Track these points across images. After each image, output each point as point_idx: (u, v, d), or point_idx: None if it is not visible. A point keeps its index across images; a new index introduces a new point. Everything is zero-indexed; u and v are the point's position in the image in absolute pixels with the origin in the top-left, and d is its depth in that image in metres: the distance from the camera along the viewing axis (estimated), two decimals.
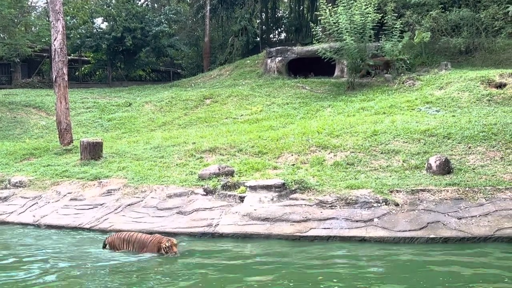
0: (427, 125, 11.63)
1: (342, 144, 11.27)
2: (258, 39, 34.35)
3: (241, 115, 17.80)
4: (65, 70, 14.48)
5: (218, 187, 9.63)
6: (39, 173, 12.05)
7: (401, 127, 11.74)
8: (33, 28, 32.43)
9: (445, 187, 8.59)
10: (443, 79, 16.76)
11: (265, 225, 8.14)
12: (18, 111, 20.28)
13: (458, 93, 14.99)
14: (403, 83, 17.80)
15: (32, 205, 10.47)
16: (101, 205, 9.91)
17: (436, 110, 14.00)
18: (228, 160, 11.41)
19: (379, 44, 19.16)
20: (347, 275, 6.03)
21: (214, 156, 11.91)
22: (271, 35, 39.25)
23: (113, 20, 28.80)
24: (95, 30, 29.92)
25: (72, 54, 30.51)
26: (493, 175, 8.97)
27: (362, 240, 7.52)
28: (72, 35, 27.88)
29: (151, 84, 30.63)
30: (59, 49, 14.30)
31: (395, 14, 19.10)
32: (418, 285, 5.63)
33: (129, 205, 9.67)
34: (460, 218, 7.69)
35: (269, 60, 24.04)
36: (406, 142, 10.91)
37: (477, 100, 14.28)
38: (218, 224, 8.38)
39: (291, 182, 9.27)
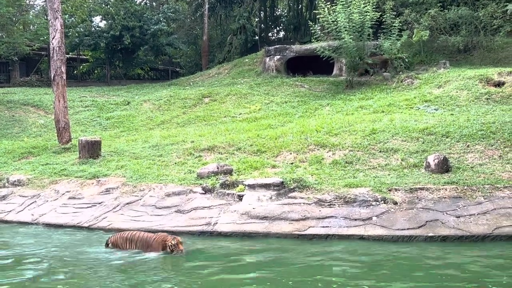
0: (426, 124, 11.64)
1: (341, 142, 11.27)
2: (257, 37, 34.28)
3: (240, 114, 17.79)
4: (63, 69, 14.46)
5: (216, 186, 9.63)
6: (38, 171, 12.04)
7: (399, 125, 11.74)
8: (31, 27, 32.42)
9: (443, 185, 8.60)
10: (441, 77, 16.77)
11: (263, 224, 8.14)
12: (17, 109, 20.25)
13: (457, 92, 15.00)
14: (401, 81, 17.81)
15: (31, 203, 10.46)
16: (99, 203, 9.91)
17: (434, 109, 14.01)
18: (227, 159, 11.41)
19: (377, 42, 19.16)
20: (346, 274, 6.03)
21: (213, 154, 11.90)
22: (270, 34, 39.20)
23: (112, 19, 28.75)
24: (93, 29, 29.85)
25: (70, 53, 30.46)
26: (491, 174, 8.98)
27: (361, 238, 7.53)
28: (70, 33, 27.83)
29: (150, 82, 30.60)
30: (57, 48, 14.28)
31: (393, 13, 19.10)
32: (418, 284, 5.64)
33: (127, 203, 9.67)
34: (459, 217, 7.70)
35: (267, 59, 24.03)
36: (405, 141, 10.92)
37: (475, 99, 14.30)
38: (216, 223, 8.38)
39: (290, 181, 9.28)
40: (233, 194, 9.24)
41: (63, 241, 8.25)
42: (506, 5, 17.56)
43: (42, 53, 29.57)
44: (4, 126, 18.70)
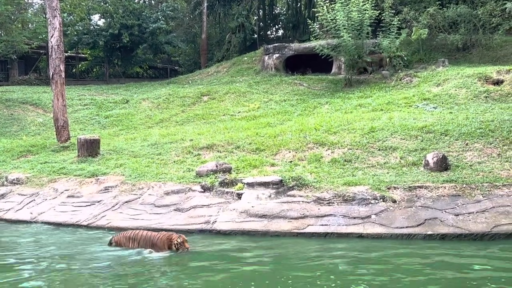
0: (425, 122, 11.64)
1: (340, 141, 11.27)
2: (256, 36, 34.27)
3: (239, 112, 17.79)
4: (62, 67, 14.45)
5: (215, 184, 9.63)
6: (36, 170, 12.03)
7: (398, 123, 11.75)
8: (30, 25, 32.39)
9: (442, 183, 8.60)
10: (440, 76, 16.78)
11: (262, 222, 8.14)
12: (15, 108, 20.23)
13: (456, 90, 15.00)
14: (400, 80, 17.81)
15: (29, 202, 10.46)
16: (98, 202, 9.90)
17: (433, 107, 14.01)
18: (226, 157, 11.41)
19: (376, 41, 19.16)
20: (344, 272, 6.03)
21: (212, 153, 11.90)
22: (269, 32, 39.18)
23: (110, 17, 28.72)
24: (92, 27, 29.84)
25: (69, 51, 30.45)
26: (490, 172, 8.99)
27: (360, 236, 7.53)
28: (69, 32, 27.80)
29: (148, 81, 30.60)
30: (56, 46, 14.26)
31: (392, 11, 19.08)
32: (416, 282, 5.64)
33: (126, 202, 9.66)
34: (458, 215, 7.70)
35: (266, 57, 24.01)
36: (404, 139, 10.92)
37: (474, 97, 14.31)
38: (215, 221, 8.37)
39: (289, 179, 9.27)
40: (232, 192, 9.24)
41: (62, 239, 8.24)
42: (505, 3, 17.54)
43: (41, 51, 29.55)
44: (3, 125, 18.69)
